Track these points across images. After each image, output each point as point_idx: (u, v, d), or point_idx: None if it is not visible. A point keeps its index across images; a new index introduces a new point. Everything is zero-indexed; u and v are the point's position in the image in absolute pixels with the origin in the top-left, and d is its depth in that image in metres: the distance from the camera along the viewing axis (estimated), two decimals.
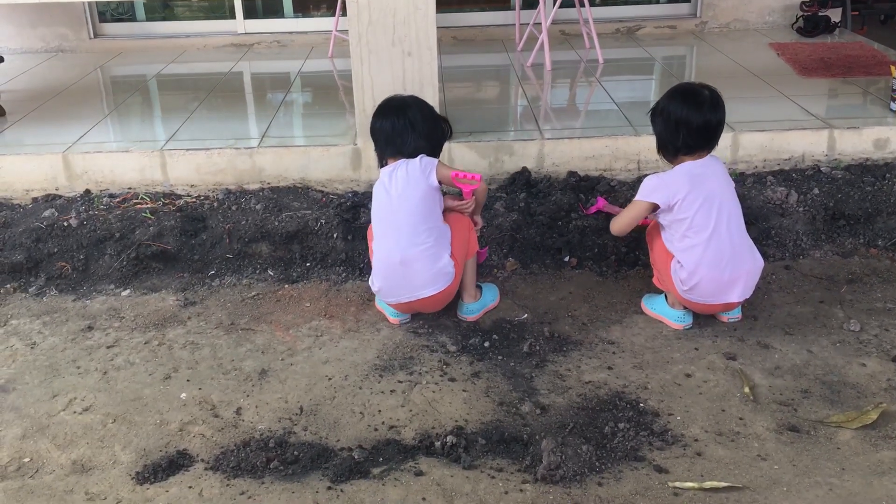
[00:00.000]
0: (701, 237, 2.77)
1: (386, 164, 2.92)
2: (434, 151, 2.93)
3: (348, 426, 2.50)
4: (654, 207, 2.85)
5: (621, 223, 2.99)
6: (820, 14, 5.98)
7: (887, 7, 7.13)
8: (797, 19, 6.08)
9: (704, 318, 2.97)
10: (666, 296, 3.00)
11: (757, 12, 6.21)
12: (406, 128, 2.86)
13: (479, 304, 3.07)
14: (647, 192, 2.86)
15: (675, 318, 2.95)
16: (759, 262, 2.86)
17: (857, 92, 4.52)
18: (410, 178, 2.82)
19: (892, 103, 4.08)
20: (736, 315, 2.97)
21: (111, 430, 2.52)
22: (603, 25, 6.16)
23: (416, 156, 2.85)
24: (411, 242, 2.80)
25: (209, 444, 2.44)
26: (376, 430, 2.48)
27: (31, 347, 2.97)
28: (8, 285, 3.37)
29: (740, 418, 2.47)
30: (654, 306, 3.04)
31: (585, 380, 2.68)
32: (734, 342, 2.86)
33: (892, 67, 4.12)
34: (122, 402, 2.64)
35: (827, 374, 2.67)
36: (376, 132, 2.93)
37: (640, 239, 3.44)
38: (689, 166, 2.84)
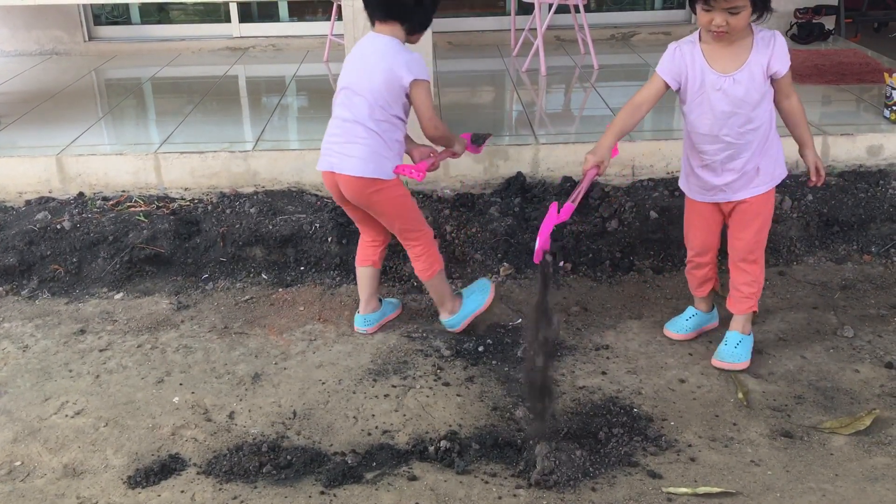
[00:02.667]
0: None
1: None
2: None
3: (342, 431, 2.49)
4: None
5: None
6: (814, 21, 6.01)
7: (881, 15, 7.16)
8: (791, 26, 6.10)
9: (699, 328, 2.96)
10: (744, 329, 2.77)
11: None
12: None
13: (458, 316, 2.95)
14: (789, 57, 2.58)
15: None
16: None
17: (850, 99, 4.54)
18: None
19: (885, 110, 4.10)
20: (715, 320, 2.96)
21: (103, 433, 2.50)
22: (598, 31, 6.18)
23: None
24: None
25: (202, 448, 2.43)
26: (370, 434, 2.47)
27: (24, 350, 2.96)
28: (0, 288, 3.35)
29: (734, 424, 2.47)
30: (748, 350, 2.74)
31: (579, 385, 2.68)
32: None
33: (886, 75, 4.13)
34: (115, 406, 2.63)
35: (820, 380, 2.67)
36: None
37: (635, 244, 3.45)
38: None
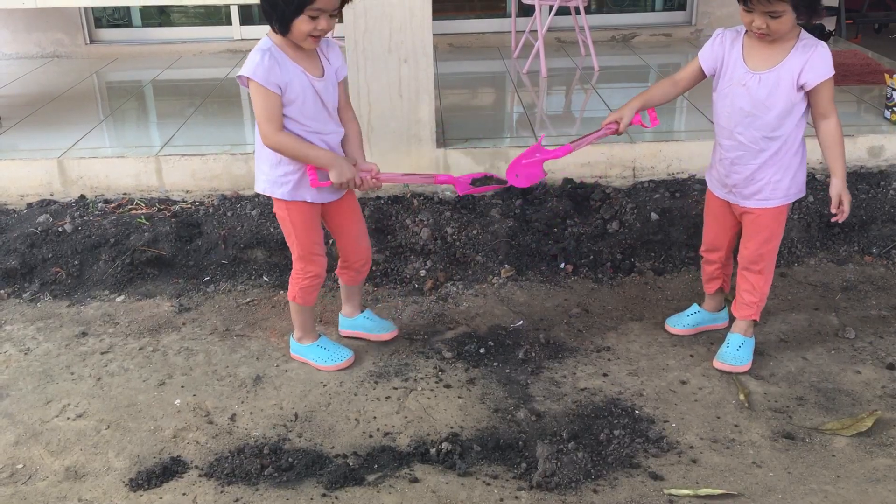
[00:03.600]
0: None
1: None
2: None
3: (343, 433, 2.49)
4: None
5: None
6: (814, 22, 6.00)
7: (881, 16, 7.16)
8: None
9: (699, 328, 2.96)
10: (746, 332, 2.76)
11: None
12: None
13: (299, 349, 2.82)
14: (831, 66, 2.46)
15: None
16: None
17: (851, 100, 4.54)
18: None
19: (886, 111, 4.10)
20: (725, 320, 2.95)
21: (105, 436, 2.51)
22: (599, 33, 6.18)
23: None
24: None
25: (203, 450, 2.43)
26: (371, 436, 2.47)
27: (25, 353, 2.96)
28: (2, 291, 3.36)
29: (735, 425, 2.47)
30: (748, 354, 2.73)
31: (581, 387, 2.68)
32: None
33: (886, 76, 4.13)
34: (116, 409, 2.63)
35: (822, 382, 2.67)
36: None
37: (636, 246, 3.45)
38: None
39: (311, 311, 2.81)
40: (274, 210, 2.65)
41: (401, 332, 3.01)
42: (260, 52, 2.37)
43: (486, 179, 2.62)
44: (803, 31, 2.46)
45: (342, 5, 2.42)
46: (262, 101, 2.38)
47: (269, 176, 2.53)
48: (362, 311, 2.98)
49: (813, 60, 2.41)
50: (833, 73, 2.44)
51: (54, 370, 2.85)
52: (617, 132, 2.59)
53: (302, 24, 2.33)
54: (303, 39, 2.36)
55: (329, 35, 2.47)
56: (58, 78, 5.54)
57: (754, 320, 2.77)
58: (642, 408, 2.56)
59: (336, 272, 2.89)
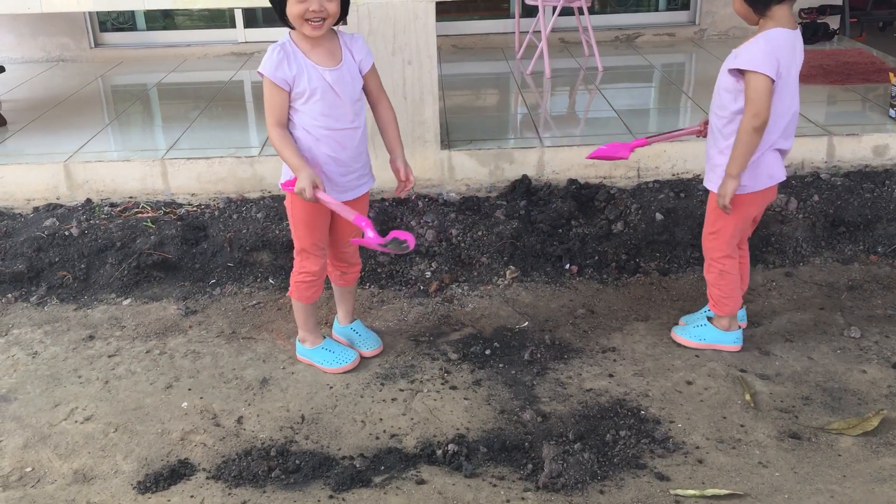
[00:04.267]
0: (786, 116, 2.52)
1: None
2: None
3: (350, 435, 2.50)
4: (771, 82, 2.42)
5: (762, 114, 2.43)
6: (818, 21, 6.00)
7: (885, 14, 7.15)
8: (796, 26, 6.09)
9: None
10: (708, 320, 2.86)
11: None
12: None
13: (305, 351, 2.85)
14: (760, 64, 2.39)
15: (734, 341, 2.82)
16: None
17: (855, 99, 4.53)
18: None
19: (891, 110, 4.09)
20: (743, 321, 2.94)
21: (112, 439, 2.52)
22: (602, 33, 6.18)
23: None
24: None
25: (210, 453, 2.44)
26: (378, 438, 2.48)
27: (33, 357, 2.98)
28: (9, 295, 3.37)
29: (741, 425, 2.48)
30: (704, 336, 2.84)
31: (586, 387, 2.68)
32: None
33: (891, 74, 4.13)
34: (124, 412, 2.64)
35: (827, 381, 2.67)
36: None
37: (641, 246, 3.45)
38: (784, 34, 2.45)
39: (310, 309, 2.81)
40: (285, 202, 2.69)
41: (406, 333, 3.02)
42: (273, 47, 2.44)
43: (394, 242, 2.38)
44: (769, 30, 2.46)
45: None
46: (268, 94, 2.46)
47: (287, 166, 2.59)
48: (353, 321, 2.97)
49: (748, 46, 2.46)
50: (761, 67, 2.40)
51: (62, 373, 2.86)
52: (699, 135, 2.72)
53: (292, 7, 2.35)
54: (301, 25, 2.38)
55: (339, 27, 2.47)
56: (63, 82, 5.56)
57: (718, 314, 2.83)
58: (648, 408, 2.56)
59: (327, 273, 2.88)
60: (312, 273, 2.71)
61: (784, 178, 2.64)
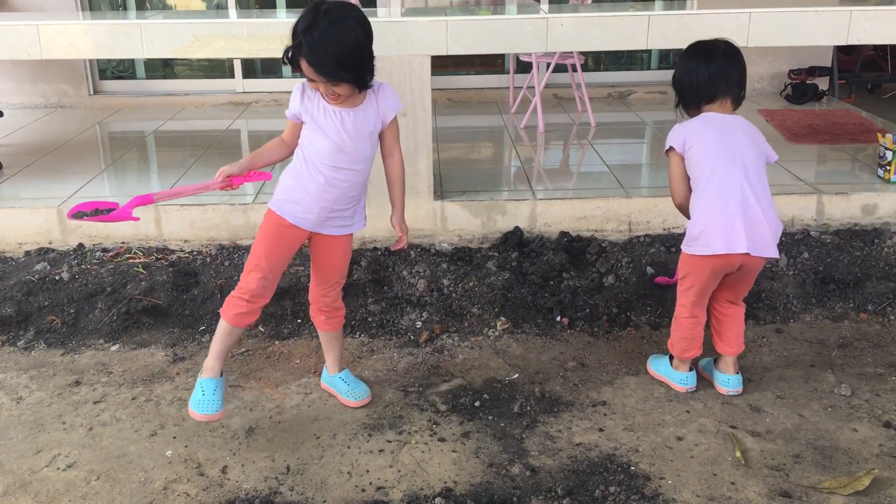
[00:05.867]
0: (713, 181, 2.67)
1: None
2: None
3: (335, 486, 2.46)
4: (681, 158, 2.76)
5: (673, 188, 2.83)
6: (808, 82, 6.11)
7: (874, 76, 7.29)
8: (785, 87, 6.21)
9: (699, 382, 2.94)
10: (670, 358, 2.97)
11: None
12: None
13: (201, 388, 2.65)
14: (668, 140, 2.78)
15: (679, 381, 2.91)
16: (776, 221, 2.72)
17: (845, 158, 4.59)
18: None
19: (879, 170, 4.14)
20: (736, 388, 2.88)
21: (94, 487, 2.47)
22: (595, 90, 6.28)
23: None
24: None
25: (193, 503, 2.40)
26: (364, 490, 2.44)
27: (17, 402, 2.94)
28: None
29: (732, 483, 2.45)
30: (658, 367, 3.01)
31: (576, 441, 2.66)
32: (725, 405, 2.85)
33: (879, 135, 4.19)
34: (107, 459, 2.60)
35: (818, 439, 2.66)
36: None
37: (632, 300, 3.46)
38: (710, 115, 2.76)
39: (228, 332, 2.64)
40: None
41: (395, 383, 3.00)
42: (297, 86, 2.58)
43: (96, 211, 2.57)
44: None
45: (339, 82, 2.42)
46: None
47: (278, 192, 2.65)
48: (342, 370, 2.94)
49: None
50: (668, 141, 2.78)
51: (46, 419, 2.83)
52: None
53: (308, 82, 2.49)
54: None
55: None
56: (61, 128, 5.61)
57: (670, 351, 2.95)
58: (638, 464, 2.54)
59: (310, 314, 2.87)
60: (249, 291, 2.60)
61: (724, 252, 2.65)
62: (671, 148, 2.77)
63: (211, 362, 2.66)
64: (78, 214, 2.57)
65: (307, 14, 2.38)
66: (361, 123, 2.55)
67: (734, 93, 2.77)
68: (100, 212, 2.59)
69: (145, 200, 2.58)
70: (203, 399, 2.62)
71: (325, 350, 2.93)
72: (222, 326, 2.65)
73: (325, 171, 2.55)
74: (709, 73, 2.75)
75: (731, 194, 2.65)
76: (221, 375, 2.68)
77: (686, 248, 2.76)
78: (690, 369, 2.92)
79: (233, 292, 2.65)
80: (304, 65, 2.38)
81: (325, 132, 2.52)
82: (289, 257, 2.66)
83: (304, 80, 2.51)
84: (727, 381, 2.90)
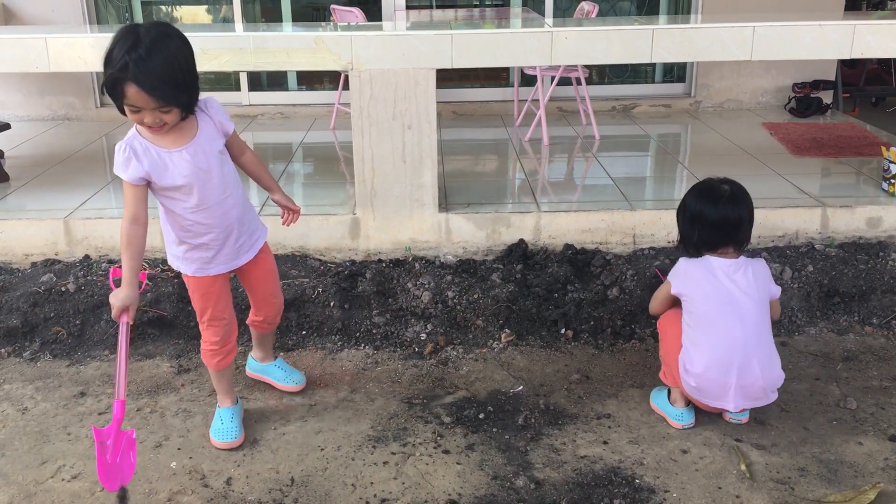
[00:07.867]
0: (712, 336, 2.66)
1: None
2: None
3: (339, 498, 2.46)
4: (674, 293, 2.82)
5: (652, 304, 2.99)
6: (812, 95, 6.12)
7: (878, 90, 7.30)
8: (789, 100, 6.22)
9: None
10: (669, 391, 2.88)
11: (750, 93, 6.36)
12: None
13: (218, 423, 2.76)
14: (671, 274, 2.83)
15: (674, 417, 2.81)
16: (774, 376, 2.71)
17: (849, 171, 4.60)
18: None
19: (883, 183, 4.15)
20: (742, 417, 2.82)
21: (99, 498, 2.48)
22: (599, 103, 6.30)
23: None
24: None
25: None
26: (368, 502, 2.44)
27: (23, 413, 2.95)
28: (2, 350, 3.36)
29: (737, 496, 2.44)
30: (657, 401, 2.91)
31: (581, 454, 2.65)
32: None
33: (883, 148, 4.20)
34: None
35: (824, 453, 2.65)
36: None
37: (637, 313, 3.46)
38: (713, 262, 2.72)
39: (219, 374, 2.77)
40: (183, 278, 2.67)
41: (400, 395, 3.00)
42: (119, 147, 2.33)
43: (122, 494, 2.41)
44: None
45: (172, 106, 2.25)
46: (125, 191, 2.38)
47: (175, 252, 2.61)
48: (275, 359, 3.05)
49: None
50: (669, 276, 2.86)
51: (51, 430, 2.83)
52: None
53: (130, 115, 2.25)
54: (142, 128, 2.31)
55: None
56: (67, 140, 5.64)
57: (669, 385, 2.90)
58: (643, 477, 2.53)
59: (247, 321, 2.95)
60: (216, 343, 2.69)
61: (711, 405, 2.74)
62: (669, 283, 2.82)
63: (221, 396, 2.80)
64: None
65: (124, 36, 2.16)
66: (207, 148, 2.41)
67: (737, 242, 2.76)
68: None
69: (119, 410, 2.32)
70: (222, 427, 2.74)
71: (259, 343, 3.03)
72: (212, 373, 2.79)
73: (206, 214, 2.46)
74: (711, 225, 2.72)
75: (730, 360, 2.64)
76: (238, 402, 2.82)
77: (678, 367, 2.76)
78: (687, 404, 2.82)
79: (202, 345, 2.74)
80: (131, 90, 2.15)
81: (183, 177, 2.37)
82: (225, 295, 2.69)
83: (125, 141, 2.32)
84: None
